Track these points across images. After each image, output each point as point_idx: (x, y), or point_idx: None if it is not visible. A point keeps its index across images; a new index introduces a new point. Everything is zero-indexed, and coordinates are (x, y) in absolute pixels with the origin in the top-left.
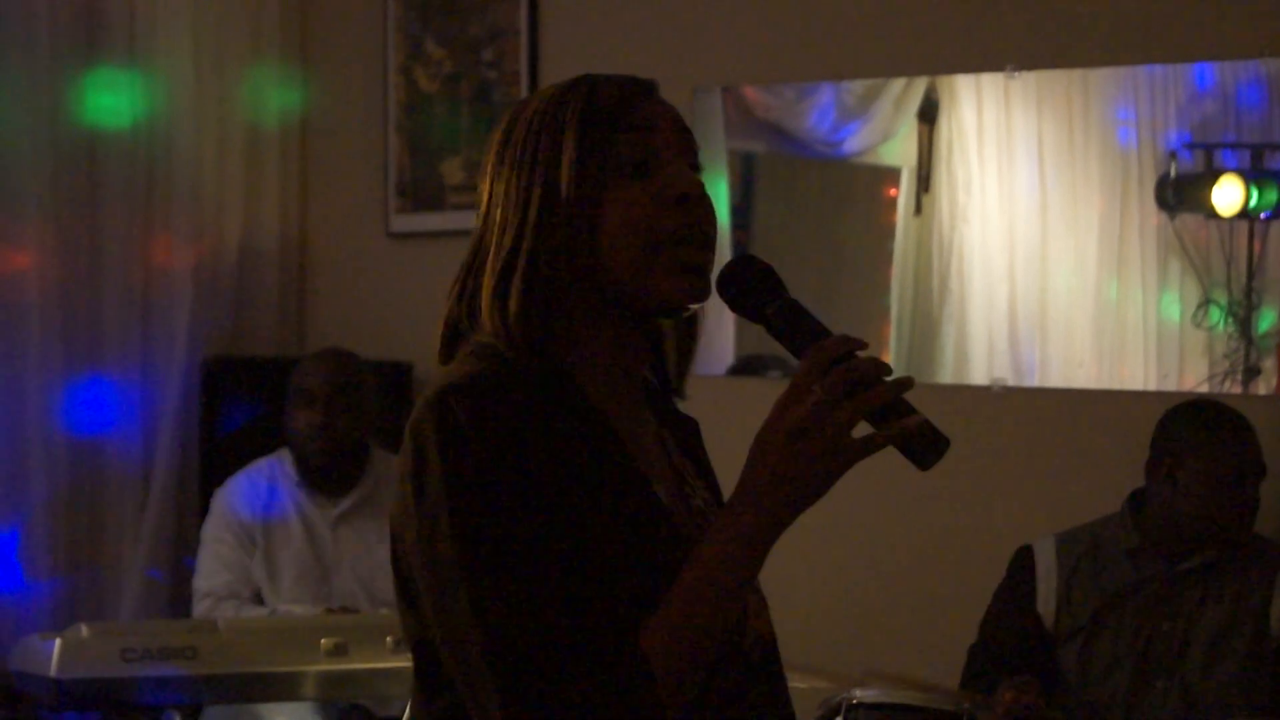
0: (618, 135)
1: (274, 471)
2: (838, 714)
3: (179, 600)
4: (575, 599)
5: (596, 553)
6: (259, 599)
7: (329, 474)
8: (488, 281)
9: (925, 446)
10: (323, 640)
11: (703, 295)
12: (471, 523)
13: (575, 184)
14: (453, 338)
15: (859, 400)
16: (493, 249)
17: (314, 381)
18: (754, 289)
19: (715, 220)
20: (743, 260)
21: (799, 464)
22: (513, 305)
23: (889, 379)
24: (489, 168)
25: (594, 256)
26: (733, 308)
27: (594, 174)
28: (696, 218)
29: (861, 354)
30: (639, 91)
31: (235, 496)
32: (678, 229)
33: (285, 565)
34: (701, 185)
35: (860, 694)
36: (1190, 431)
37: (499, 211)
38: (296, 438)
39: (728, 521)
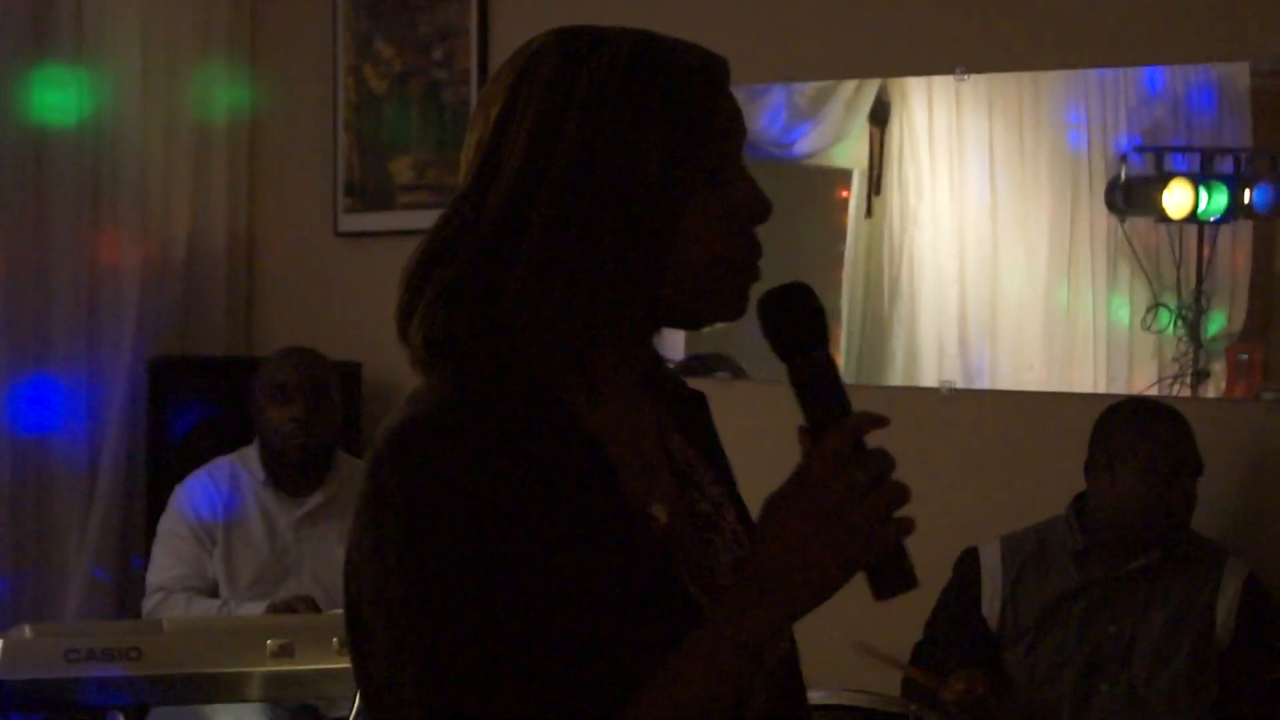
0: (709, 137)
1: (235, 470)
2: None
3: (124, 600)
4: (541, 666)
5: (572, 608)
6: (214, 594)
7: (302, 470)
8: (525, 274)
9: (902, 571)
10: (269, 641)
11: (741, 315)
12: (426, 579)
13: (662, 187)
14: (444, 332)
15: (892, 492)
16: (536, 234)
17: (290, 377)
18: (802, 328)
19: None
20: (798, 291)
21: (828, 550)
22: (556, 310)
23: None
24: (523, 118)
25: (655, 266)
26: (768, 334)
27: (682, 179)
28: (758, 239)
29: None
30: (722, 80)
31: (195, 494)
32: (744, 252)
33: (244, 564)
34: (769, 203)
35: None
36: (1123, 428)
37: (546, 192)
38: (271, 434)
39: (739, 603)
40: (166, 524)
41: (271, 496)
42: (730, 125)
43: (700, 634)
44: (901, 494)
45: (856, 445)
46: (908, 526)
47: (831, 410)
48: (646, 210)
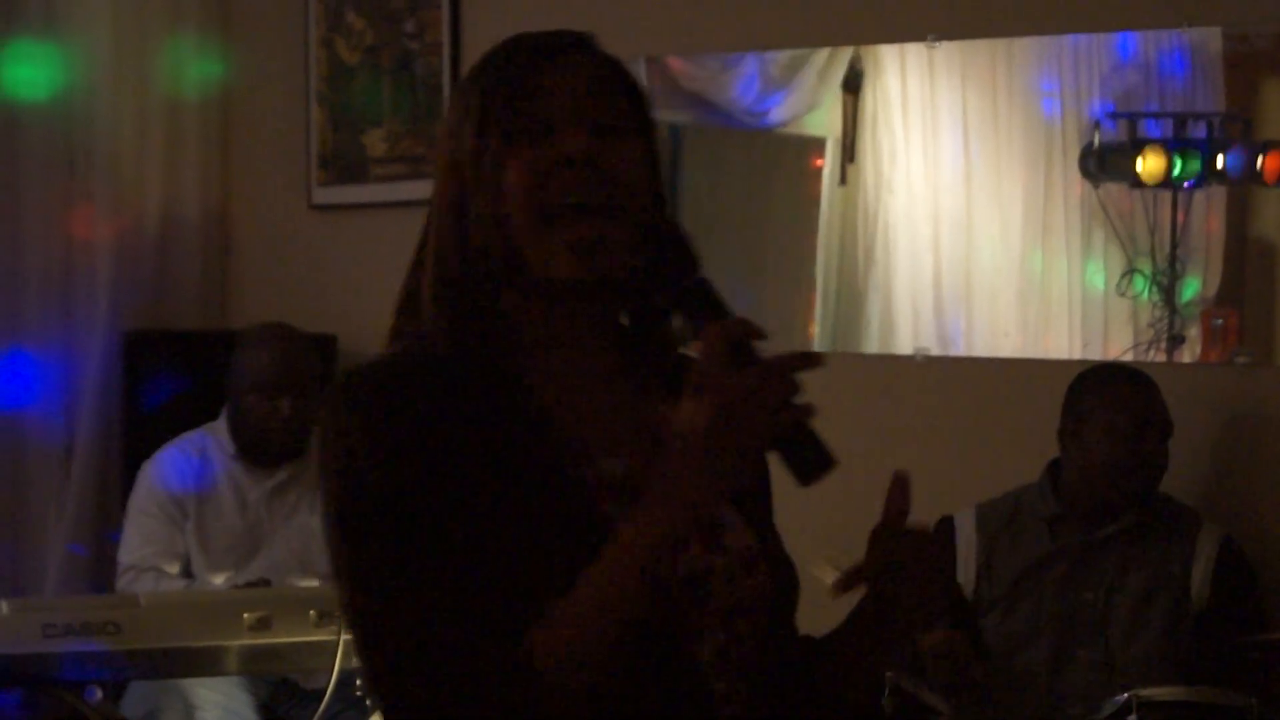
0: (518, 101)
1: (206, 443)
2: None
3: (102, 575)
4: (461, 590)
5: (497, 541)
6: (187, 572)
7: (275, 451)
8: (429, 260)
9: (818, 455)
10: (246, 614)
11: (596, 271)
12: (357, 510)
13: (475, 155)
14: (406, 315)
15: (778, 382)
16: (429, 212)
17: (267, 365)
18: (670, 258)
19: (620, 185)
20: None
21: (728, 440)
22: (437, 287)
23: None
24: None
25: (502, 230)
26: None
27: (495, 145)
28: (585, 183)
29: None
30: (551, 51)
31: (165, 469)
32: (566, 197)
33: (216, 536)
34: (590, 148)
35: None
36: (1089, 393)
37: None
38: (252, 423)
39: (652, 499)
40: (136, 501)
41: (242, 469)
42: (553, 86)
43: (620, 531)
44: (788, 384)
45: (738, 349)
46: (805, 411)
47: (707, 322)
48: (469, 170)
